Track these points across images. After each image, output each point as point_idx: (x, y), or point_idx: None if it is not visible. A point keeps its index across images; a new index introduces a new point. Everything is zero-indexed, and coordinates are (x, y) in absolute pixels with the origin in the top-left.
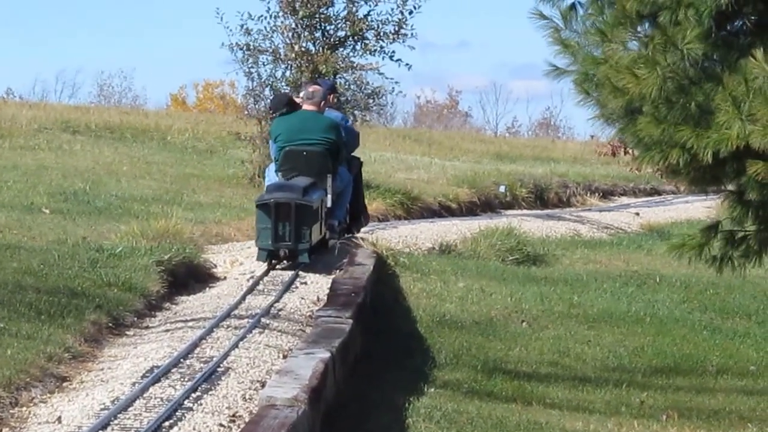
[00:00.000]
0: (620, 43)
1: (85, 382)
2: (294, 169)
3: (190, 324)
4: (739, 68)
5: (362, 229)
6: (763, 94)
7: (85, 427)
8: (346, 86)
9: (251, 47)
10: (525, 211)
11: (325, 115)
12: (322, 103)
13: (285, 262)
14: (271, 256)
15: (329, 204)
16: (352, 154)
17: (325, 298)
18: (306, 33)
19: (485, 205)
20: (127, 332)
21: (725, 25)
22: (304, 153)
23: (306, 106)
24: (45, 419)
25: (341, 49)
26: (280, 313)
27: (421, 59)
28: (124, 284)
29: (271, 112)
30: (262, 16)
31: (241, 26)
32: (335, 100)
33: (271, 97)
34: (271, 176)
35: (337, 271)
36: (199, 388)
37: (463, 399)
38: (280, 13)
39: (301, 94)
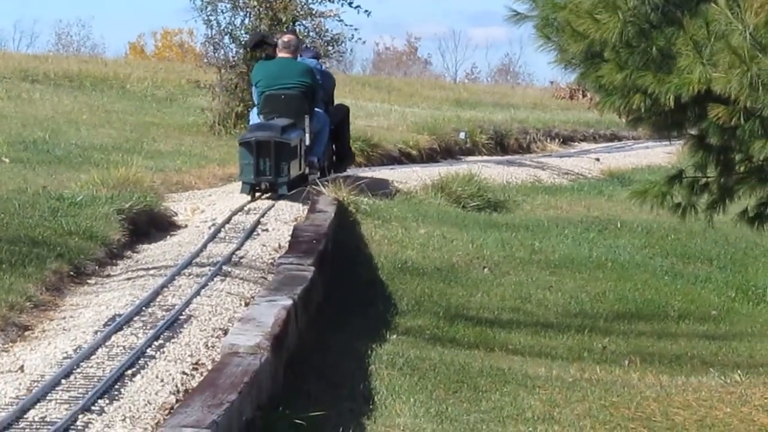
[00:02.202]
0: None
1: (47, 330)
2: (274, 111)
3: (151, 272)
4: (700, 12)
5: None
6: (724, 39)
7: (47, 375)
8: (306, 33)
9: None
10: (485, 158)
11: (300, 61)
12: (297, 50)
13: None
14: (253, 189)
15: (308, 142)
16: (339, 102)
17: (287, 245)
18: None
19: (445, 152)
20: (89, 281)
21: None
22: (283, 96)
23: (282, 54)
24: (7, 368)
25: None
26: (241, 260)
27: (380, 6)
28: (85, 233)
29: (248, 49)
30: None
31: None
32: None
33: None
34: (254, 118)
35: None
36: (162, 336)
37: (426, 345)
38: None
39: (278, 43)
